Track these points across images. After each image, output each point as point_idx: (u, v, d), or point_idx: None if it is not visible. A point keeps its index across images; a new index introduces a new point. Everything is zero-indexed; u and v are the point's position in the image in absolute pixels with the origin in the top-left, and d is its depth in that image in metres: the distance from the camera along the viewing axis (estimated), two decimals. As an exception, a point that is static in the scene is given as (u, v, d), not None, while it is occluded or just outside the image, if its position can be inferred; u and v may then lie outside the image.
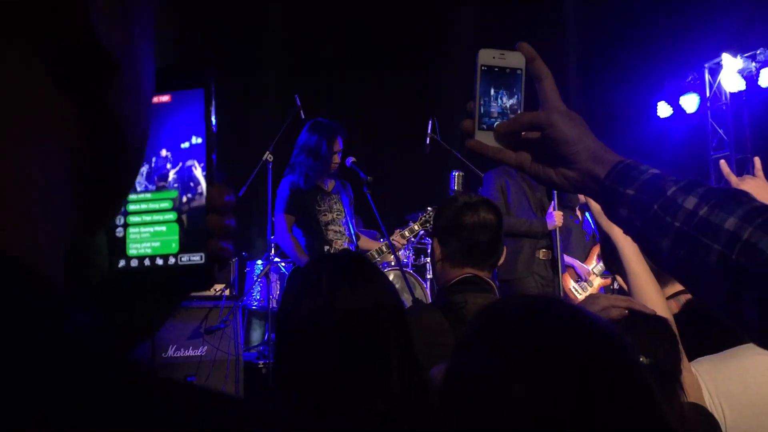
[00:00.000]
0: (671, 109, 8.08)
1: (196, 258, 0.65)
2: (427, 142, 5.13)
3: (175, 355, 4.49)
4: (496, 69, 0.93)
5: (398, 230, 4.80)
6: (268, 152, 4.90)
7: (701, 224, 0.77)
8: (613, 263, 1.76)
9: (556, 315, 0.81)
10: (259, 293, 5.41)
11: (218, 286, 4.86)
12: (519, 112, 0.93)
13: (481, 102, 0.93)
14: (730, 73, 7.35)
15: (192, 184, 0.66)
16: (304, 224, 4.52)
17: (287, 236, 4.45)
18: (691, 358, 1.53)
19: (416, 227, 4.84)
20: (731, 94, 7.51)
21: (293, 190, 4.47)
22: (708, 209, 0.77)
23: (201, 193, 0.66)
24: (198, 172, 0.66)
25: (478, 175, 4.94)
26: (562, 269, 4.67)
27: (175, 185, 0.66)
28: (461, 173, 4.91)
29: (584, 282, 5.51)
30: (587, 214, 5.82)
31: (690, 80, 7.62)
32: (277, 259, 5.24)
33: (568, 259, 5.31)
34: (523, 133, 0.92)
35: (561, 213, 4.61)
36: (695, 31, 7.54)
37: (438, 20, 8.10)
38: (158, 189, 0.66)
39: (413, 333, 1.35)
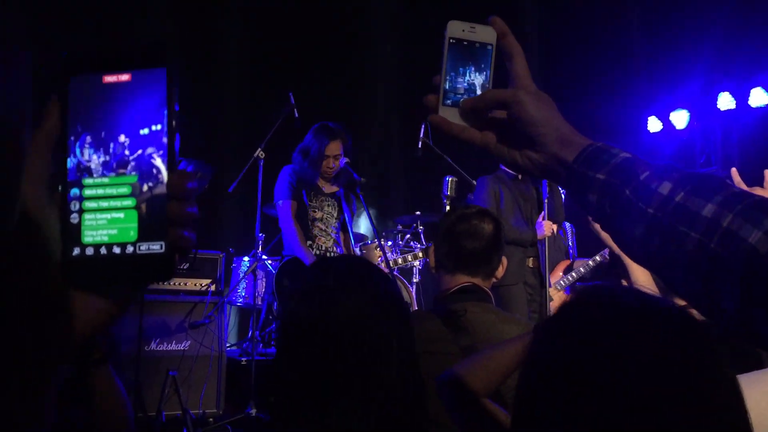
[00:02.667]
0: (661, 124, 8.14)
1: (156, 247, 0.62)
2: (420, 146, 5.14)
3: (158, 348, 4.46)
4: (465, 42, 0.89)
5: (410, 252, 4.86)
6: (259, 149, 4.89)
7: (677, 211, 0.73)
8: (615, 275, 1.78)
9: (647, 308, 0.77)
10: (244, 290, 5.39)
11: (204, 281, 4.84)
12: (487, 89, 0.89)
13: (448, 77, 0.88)
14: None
15: (153, 169, 0.62)
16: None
17: (291, 223, 4.48)
18: None
19: (420, 254, 4.90)
20: (721, 112, 7.57)
21: (291, 177, 4.54)
22: (684, 195, 0.73)
23: (162, 180, 0.62)
24: (159, 158, 0.62)
25: (470, 181, 4.95)
26: (548, 282, 4.69)
27: (134, 167, 0.62)
28: (455, 179, 4.92)
29: None
30: (565, 225, 5.86)
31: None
32: (264, 257, 5.22)
33: None
34: (490, 112, 0.88)
35: (550, 222, 4.64)
36: (686, 48, 7.61)
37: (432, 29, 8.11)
38: (117, 174, 0.63)
39: (414, 335, 1.35)
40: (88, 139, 0.63)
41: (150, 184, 0.62)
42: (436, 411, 1.68)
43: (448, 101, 0.88)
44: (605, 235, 1.71)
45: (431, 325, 1.90)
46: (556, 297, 5.51)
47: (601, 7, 8.14)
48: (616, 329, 0.75)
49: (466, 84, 0.88)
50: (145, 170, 0.62)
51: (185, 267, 4.66)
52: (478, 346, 1.82)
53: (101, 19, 5.78)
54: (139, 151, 0.63)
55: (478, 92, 0.88)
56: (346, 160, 4.53)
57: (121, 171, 0.62)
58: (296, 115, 4.95)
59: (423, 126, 5.15)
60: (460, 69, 0.88)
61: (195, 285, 4.79)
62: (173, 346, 4.54)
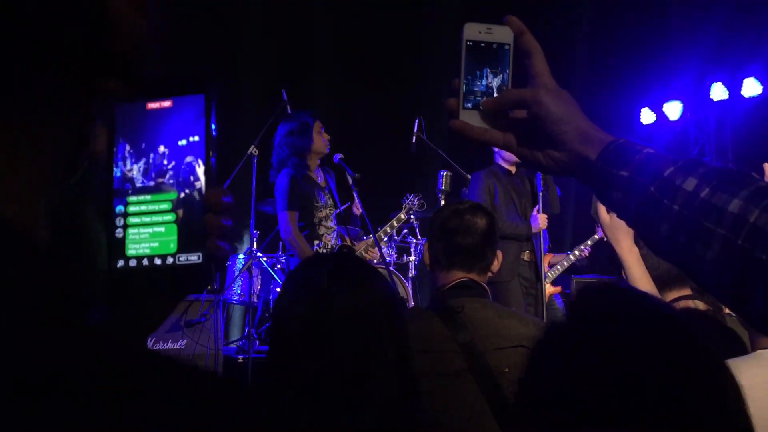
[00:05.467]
0: (655, 115, 8.15)
1: (194, 258, 0.67)
2: (413, 140, 5.14)
3: (153, 347, 4.45)
4: (483, 44, 0.88)
5: (384, 225, 4.84)
6: (253, 146, 4.87)
7: (703, 207, 0.72)
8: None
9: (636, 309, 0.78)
10: (240, 287, 5.38)
11: (199, 280, 4.82)
12: (507, 89, 0.88)
13: (466, 80, 0.87)
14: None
15: (192, 185, 0.68)
16: (299, 220, 4.46)
17: (294, 237, 4.35)
18: None
19: (402, 216, 4.89)
20: (714, 102, 7.58)
21: (292, 184, 4.39)
22: (710, 191, 0.72)
23: (200, 194, 0.67)
24: (197, 173, 0.68)
25: (464, 176, 4.95)
26: (543, 275, 4.70)
27: (174, 184, 0.68)
28: (449, 173, 4.91)
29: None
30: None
31: None
32: (259, 254, 5.22)
33: None
34: (510, 113, 0.88)
35: (545, 216, 4.64)
36: (680, 38, 7.61)
37: (430, 17, 8.10)
38: (158, 190, 0.68)
39: (409, 334, 1.34)
40: (129, 150, 0.68)
41: (188, 197, 0.68)
42: (434, 408, 1.67)
43: (468, 104, 0.88)
44: (609, 233, 1.71)
45: (429, 322, 1.89)
46: (547, 290, 5.61)
47: (593, 0, 8.14)
48: (629, 326, 0.76)
49: (484, 86, 0.88)
50: (185, 183, 0.68)
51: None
52: (478, 342, 1.82)
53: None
54: (179, 164, 0.68)
55: (497, 94, 0.88)
56: (341, 155, 4.51)
57: (161, 180, 0.68)
58: (289, 111, 4.94)
59: (417, 120, 5.15)
60: (478, 72, 0.88)
61: (205, 289, 4.77)
62: (169, 345, 4.53)
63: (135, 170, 0.68)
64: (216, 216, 0.67)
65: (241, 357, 5.03)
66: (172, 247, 0.67)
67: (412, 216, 4.99)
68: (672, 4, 7.80)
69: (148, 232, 0.68)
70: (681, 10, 7.68)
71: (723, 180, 0.72)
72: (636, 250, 1.71)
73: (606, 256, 5.95)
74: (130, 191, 0.68)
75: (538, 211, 4.64)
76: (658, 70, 7.89)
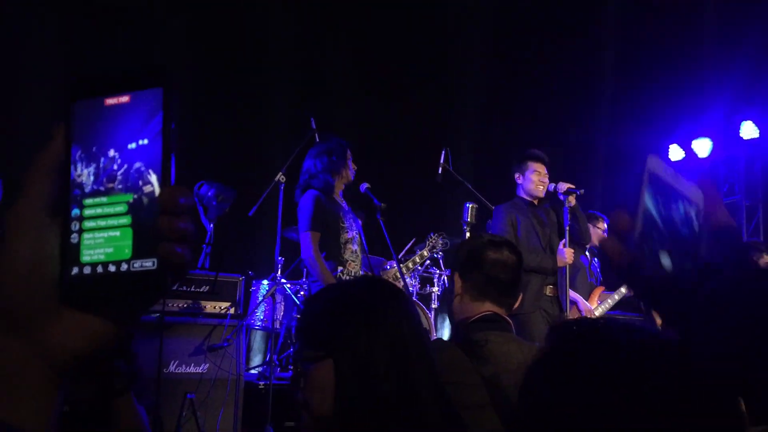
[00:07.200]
0: (683, 152, 8.09)
1: (149, 264, 0.61)
2: (440, 171, 5.16)
3: (176, 371, 4.47)
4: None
5: (407, 259, 4.83)
6: (281, 173, 4.90)
7: None
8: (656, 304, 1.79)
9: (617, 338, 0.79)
10: (263, 313, 5.39)
11: (224, 304, 4.85)
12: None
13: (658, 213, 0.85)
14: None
15: (146, 185, 0.63)
16: (323, 241, 4.40)
17: (313, 257, 4.30)
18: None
19: (425, 253, 4.87)
20: (744, 140, 7.50)
21: (317, 205, 4.35)
22: None
23: (155, 194, 0.62)
24: (153, 174, 0.63)
25: (489, 208, 4.94)
26: (568, 307, 4.64)
27: (130, 185, 0.63)
28: (475, 205, 4.90)
29: None
30: (595, 259, 5.87)
31: None
32: (283, 280, 5.24)
33: (572, 294, 5.31)
34: None
35: (572, 250, 4.59)
36: (710, 75, 7.57)
37: (457, 47, 8.15)
38: (112, 192, 0.63)
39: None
40: (81, 154, 0.64)
41: (144, 200, 0.62)
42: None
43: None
44: None
45: (453, 354, 1.89)
46: None
47: (623, 35, 8.14)
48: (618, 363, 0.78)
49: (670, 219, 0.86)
50: (138, 186, 0.63)
51: (205, 289, 4.68)
52: (502, 375, 1.81)
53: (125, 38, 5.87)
54: (133, 164, 0.63)
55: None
56: (367, 185, 4.52)
57: (111, 185, 0.63)
58: (317, 139, 4.98)
59: (443, 151, 5.17)
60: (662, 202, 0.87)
61: (214, 308, 4.80)
62: (192, 369, 4.54)
63: (89, 171, 0.64)
64: (170, 217, 0.61)
65: (262, 383, 5.03)
66: (127, 252, 0.62)
67: (436, 251, 5.00)
68: (703, 41, 7.79)
69: (104, 237, 0.63)
70: (712, 48, 7.65)
71: None
72: None
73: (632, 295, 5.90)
74: (85, 193, 0.63)
75: (565, 245, 4.60)
76: (687, 106, 7.85)
